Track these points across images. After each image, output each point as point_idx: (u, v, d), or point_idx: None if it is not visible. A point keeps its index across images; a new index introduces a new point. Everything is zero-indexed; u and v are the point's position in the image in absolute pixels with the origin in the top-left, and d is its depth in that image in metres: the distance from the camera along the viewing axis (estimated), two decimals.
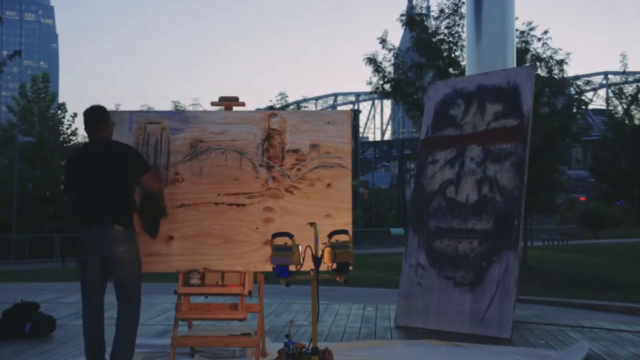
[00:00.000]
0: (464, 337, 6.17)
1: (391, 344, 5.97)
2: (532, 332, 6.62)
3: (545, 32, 19.09)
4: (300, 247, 4.10)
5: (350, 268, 4.11)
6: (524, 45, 18.66)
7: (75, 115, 32.16)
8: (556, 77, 19.27)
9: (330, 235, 4.16)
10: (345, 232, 4.19)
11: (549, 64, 19.07)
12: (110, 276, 4.76)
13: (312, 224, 4.16)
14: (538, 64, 18.72)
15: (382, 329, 6.86)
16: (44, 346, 5.98)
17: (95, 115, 4.77)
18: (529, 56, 18.67)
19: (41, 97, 31.87)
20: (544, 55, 19.07)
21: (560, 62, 19.11)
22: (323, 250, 4.05)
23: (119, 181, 4.64)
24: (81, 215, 4.65)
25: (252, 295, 5.19)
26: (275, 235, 4.22)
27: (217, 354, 5.45)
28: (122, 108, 25.77)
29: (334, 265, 4.01)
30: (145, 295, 9.69)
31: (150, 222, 5.17)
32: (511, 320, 6.15)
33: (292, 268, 4.06)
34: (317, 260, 4.02)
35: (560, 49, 19.26)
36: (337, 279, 4.11)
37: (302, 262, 4.07)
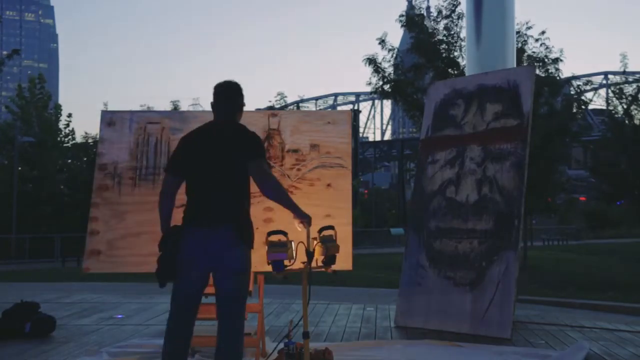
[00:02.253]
0: (464, 337, 6.17)
1: (391, 344, 5.97)
2: (532, 332, 6.62)
3: (543, 33, 19.12)
4: (293, 243, 4.26)
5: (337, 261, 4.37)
6: (520, 44, 18.67)
7: (70, 115, 32.25)
8: (553, 76, 19.27)
9: (320, 231, 4.37)
10: (331, 227, 4.37)
11: (545, 63, 19.08)
12: (214, 289, 3.94)
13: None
14: (536, 64, 18.72)
15: (382, 329, 6.86)
16: (44, 346, 5.98)
17: (225, 91, 4.09)
18: (525, 56, 18.68)
19: (38, 97, 31.90)
20: (540, 55, 19.07)
21: (555, 61, 19.11)
22: (314, 245, 4.29)
23: (239, 173, 3.91)
24: (187, 209, 3.94)
25: (252, 295, 5.19)
26: (270, 233, 4.38)
27: None
28: (121, 108, 25.77)
29: (323, 258, 4.28)
30: (146, 295, 9.74)
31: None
32: (511, 320, 6.15)
33: (286, 263, 4.26)
34: (309, 254, 4.27)
35: (553, 47, 19.27)
36: (328, 270, 4.37)
37: (295, 256, 4.25)
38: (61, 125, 32.06)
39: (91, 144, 30.65)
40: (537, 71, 18.50)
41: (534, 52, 19.03)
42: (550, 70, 19.12)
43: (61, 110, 32.58)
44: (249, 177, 3.94)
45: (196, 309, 4.01)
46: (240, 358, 3.93)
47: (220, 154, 3.92)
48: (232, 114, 4.11)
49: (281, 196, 4.02)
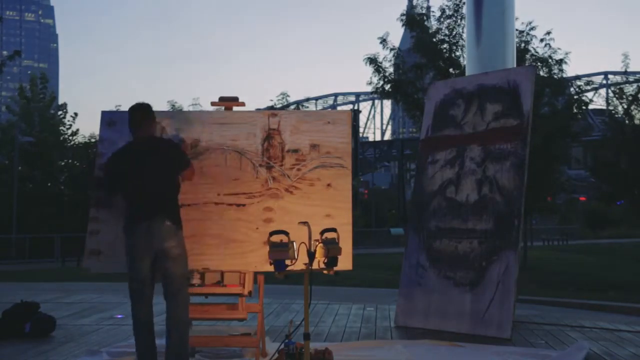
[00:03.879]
0: (463, 337, 6.17)
1: (391, 344, 5.97)
2: (532, 332, 6.63)
3: (548, 33, 19.10)
4: (295, 243, 4.32)
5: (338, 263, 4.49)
6: (523, 45, 18.66)
7: (76, 115, 32.12)
8: (556, 77, 19.26)
9: (322, 232, 4.42)
10: (334, 230, 4.43)
11: (549, 64, 19.07)
12: (159, 273, 4.65)
13: (304, 223, 4.42)
14: (539, 64, 18.72)
15: (382, 329, 6.87)
16: (44, 346, 5.98)
17: (141, 112, 4.82)
18: (528, 56, 18.67)
19: (40, 97, 31.85)
20: (544, 55, 19.07)
21: (560, 62, 19.12)
22: (316, 246, 4.33)
23: (167, 176, 4.71)
24: (132, 212, 4.64)
25: (252, 295, 5.19)
26: (272, 233, 4.44)
27: (217, 354, 5.44)
28: (122, 108, 25.68)
29: (325, 260, 4.35)
30: None
31: None
32: (511, 320, 6.15)
33: (287, 263, 4.31)
34: (311, 255, 4.33)
35: (559, 49, 19.28)
36: (330, 272, 4.43)
37: (296, 257, 4.30)
38: (66, 123, 31.90)
39: (93, 142, 30.60)
40: (541, 72, 18.50)
41: (537, 52, 19.02)
42: (553, 71, 19.12)
43: (66, 109, 32.47)
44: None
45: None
46: (187, 326, 4.72)
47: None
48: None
49: None
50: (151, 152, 4.70)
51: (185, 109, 28.77)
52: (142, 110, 4.83)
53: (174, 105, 30.31)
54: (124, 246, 4.65)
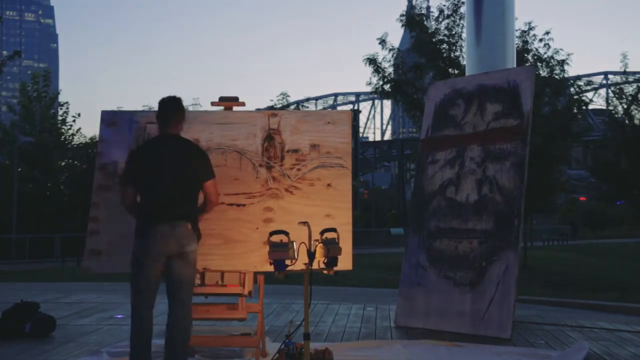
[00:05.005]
0: (463, 337, 6.17)
1: (391, 344, 5.97)
2: (532, 332, 6.63)
3: (547, 33, 19.12)
4: (295, 243, 4.32)
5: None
6: (523, 45, 18.67)
7: (78, 115, 32.07)
8: (557, 77, 19.28)
9: (322, 232, 4.43)
10: (334, 230, 4.43)
11: (550, 64, 19.09)
12: (169, 276, 4.44)
13: (304, 223, 4.42)
14: (539, 64, 18.74)
15: (382, 329, 6.86)
16: (44, 346, 5.98)
17: (172, 106, 4.58)
18: (530, 56, 18.68)
19: (42, 96, 31.81)
20: (545, 56, 19.09)
21: (562, 63, 19.14)
22: (316, 246, 4.34)
23: (194, 182, 4.51)
24: (150, 211, 4.41)
25: (252, 295, 5.19)
26: (272, 233, 4.45)
27: (217, 354, 5.44)
28: (122, 108, 25.67)
29: (325, 260, 4.36)
30: None
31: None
32: (511, 320, 6.15)
33: (287, 263, 4.32)
34: (311, 255, 4.34)
35: (561, 49, 19.30)
36: (330, 272, 4.44)
37: (296, 257, 4.31)
38: (67, 123, 31.85)
39: (93, 143, 30.58)
40: (541, 71, 18.52)
41: (539, 52, 19.03)
42: (555, 71, 19.14)
43: (68, 108, 32.41)
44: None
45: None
46: (189, 335, 4.57)
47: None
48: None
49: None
50: (182, 153, 4.49)
51: (186, 109, 28.77)
52: (173, 105, 4.59)
53: None
54: (135, 246, 4.44)
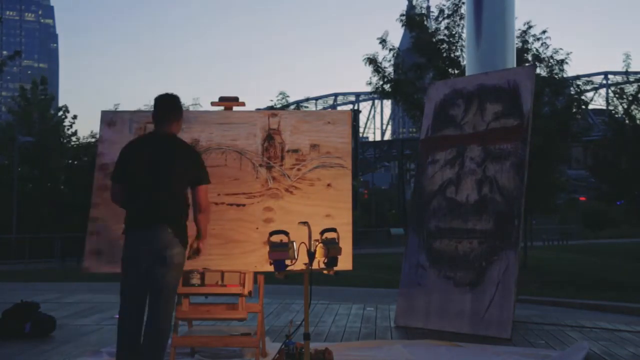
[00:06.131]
0: (463, 337, 6.17)
1: (391, 344, 5.97)
2: (532, 332, 6.63)
3: (544, 32, 19.12)
4: (295, 243, 4.32)
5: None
6: (523, 45, 18.67)
7: (75, 117, 32.19)
8: (556, 77, 19.27)
9: (322, 232, 4.43)
10: (334, 230, 4.43)
11: (550, 64, 19.08)
12: (149, 281, 4.27)
13: (304, 223, 4.41)
14: (538, 64, 18.73)
15: (382, 329, 6.86)
16: (44, 346, 5.98)
17: (169, 104, 4.43)
18: (529, 56, 18.68)
19: (40, 98, 31.92)
20: (544, 55, 19.08)
21: (561, 62, 19.13)
22: (316, 246, 4.35)
23: (184, 184, 4.36)
24: (136, 212, 4.29)
25: (252, 295, 5.19)
26: (272, 233, 4.45)
27: (217, 354, 5.45)
28: (122, 108, 25.75)
29: (325, 260, 4.36)
30: None
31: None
32: (511, 320, 6.15)
33: (287, 262, 4.32)
34: (311, 255, 4.34)
35: (560, 49, 19.30)
36: (330, 272, 4.44)
37: (296, 257, 4.31)
38: (66, 124, 31.93)
39: (93, 143, 30.61)
40: (540, 71, 18.51)
41: (538, 52, 19.03)
42: (554, 71, 19.13)
43: (67, 111, 32.51)
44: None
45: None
46: (167, 339, 4.40)
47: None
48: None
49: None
50: (175, 153, 4.35)
51: (186, 109, 28.80)
52: (167, 102, 4.44)
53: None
54: (123, 247, 4.36)
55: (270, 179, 5.35)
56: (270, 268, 4.49)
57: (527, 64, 16.98)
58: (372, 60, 19.45)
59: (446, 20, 19.02)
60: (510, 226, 6.39)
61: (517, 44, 15.58)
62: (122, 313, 4.34)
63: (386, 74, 19.56)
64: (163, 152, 4.34)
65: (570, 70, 23.37)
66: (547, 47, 19.02)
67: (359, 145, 56.80)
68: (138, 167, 4.32)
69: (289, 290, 9.59)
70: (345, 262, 4.91)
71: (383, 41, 19.55)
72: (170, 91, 4.56)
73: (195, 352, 5.44)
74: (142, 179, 4.30)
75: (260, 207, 5.29)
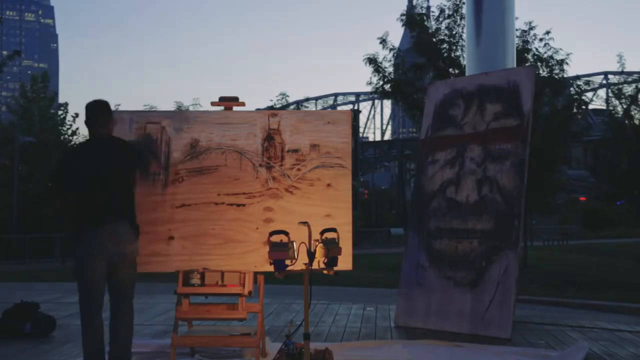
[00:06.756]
0: (463, 337, 6.17)
1: (391, 344, 5.97)
2: (532, 332, 6.62)
3: (548, 33, 19.12)
4: (295, 243, 4.34)
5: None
6: (523, 45, 18.68)
7: (76, 115, 32.11)
8: (557, 77, 19.29)
9: (322, 232, 4.45)
10: (334, 230, 4.45)
11: (550, 64, 19.09)
12: (113, 276, 4.47)
13: (304, 223, 4.42)
14: (539, 64, 18.74)
15: (382, 329, 6.86)
16: (44, 346, 5.98)
17: (99, 109, 4.62)
18: (530, 56, 18.69)
19: (41, 96, 31.88)
20: (545, 56, 19.09)
21: (561, 62, 19.15)
22: (316, 246, 4.36)
23: (127, 179, 4.56)
24: (88, 214, 4.41)
25: (252, 296, 5.19)
26: (272, 233, 4.47)
27: (217, 353, 5.44)
28: (121, 108, 25.67)
29: (325, 260, 4.37)
30: (146, 295, 9.75)
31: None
32: (511, 320, 6.15)
33: (287, 263, 4.34)
34: (311, 255, 4.35)
35: (561, 49, 19.32)
36: (330, 272, 4.46)
37: (296, 257, 4.33)
38: (67, 123, 31.87)
39: None
40: (540, 71, 18.52)
41: (539, 52, 19.04)
42: (555, 71, 19.14)
43: (67, 109, 32.47)
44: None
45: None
46: (132, 329, 4.62)
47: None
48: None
49: None
50: (111, 153, 4.53)
51: (186, 109, 28.76)
52: (100, 108, 4.63)
53: (180, 107, 30.34)
54: (76, 249, 4.43)
55: (270, 179, 5.35)
56: (270, 268, 4.49)
57: (527, 64, 16.99)
58: (372, 60, 19.46)
59: (447, 20, 19.03)
60: (510, 226, 6.39)
61: (517, 44, 15.61)
62: (86, 316, 4.57)
63: (386, 74, 19.57)
64: (104, 153, 4.52)
65: (570, 71, 23.38)
66: (550, 48, 19.05)
67: (359, 145, 56.80)
68: (84, 173, 4.45)
69: (289, 290, 9.59)
70: (345, 262, 4.91)
71: (383, 41, 19.57)
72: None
73: (195, 352, 5.43)
74: (92, 182, 4.42)
75: (260, 207, 5.29)
